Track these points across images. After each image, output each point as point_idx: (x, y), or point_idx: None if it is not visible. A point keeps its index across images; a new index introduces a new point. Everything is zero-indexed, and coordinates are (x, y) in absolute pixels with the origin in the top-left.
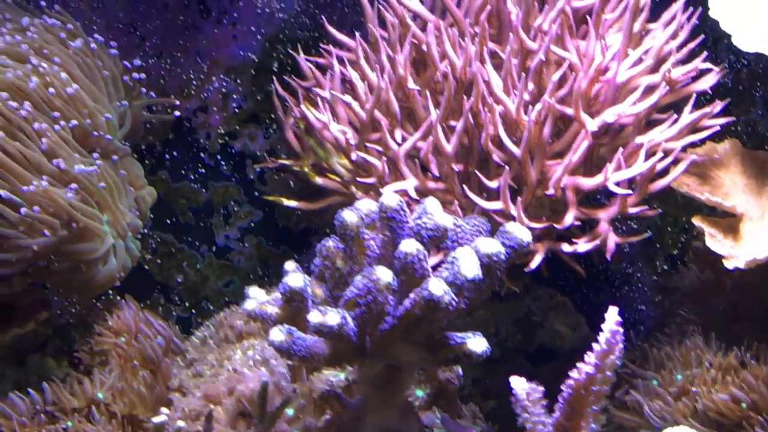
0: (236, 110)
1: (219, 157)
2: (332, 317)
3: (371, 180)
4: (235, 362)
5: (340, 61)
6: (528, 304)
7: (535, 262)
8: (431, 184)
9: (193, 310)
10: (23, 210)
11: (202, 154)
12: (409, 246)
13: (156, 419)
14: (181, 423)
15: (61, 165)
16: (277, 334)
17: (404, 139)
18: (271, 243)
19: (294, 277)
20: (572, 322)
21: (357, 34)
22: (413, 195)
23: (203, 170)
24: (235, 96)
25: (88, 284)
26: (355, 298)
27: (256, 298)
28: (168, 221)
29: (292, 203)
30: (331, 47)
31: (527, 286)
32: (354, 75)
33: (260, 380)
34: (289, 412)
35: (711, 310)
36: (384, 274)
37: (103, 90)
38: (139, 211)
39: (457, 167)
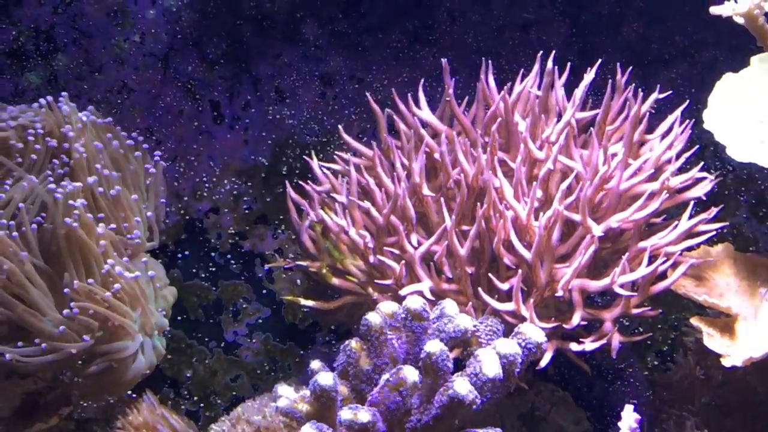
0: (246, 211)
1: (229, 256)
2: (363, 415)
3: (389, 281)
4: None
5: (357, 167)
6: (531, 399)
7: (545, 360)
8: (445, 286)
9: (202, 404)
10: (66, 311)
11: (213, 254)
12: (433, 346)
13: None
14: None
15: (106, 268)
16: (309, 430)
17: (419, 243)
18: (277, 339)
19: (324, 376)
20: (574, 416)
21: (374, 143)
22: (428, 296)
23: (214, 269)
24: (245, 198)
25: (117, 382)
26: (382, 396)
27: (287, 396)
28: (179, 318)
29: (309, 303)
30: (345, 154)
31: (529, 382)
32: (370, 181)
33: None
34: None
35: (702, 405)
36: (410, 374)
37: (132, 190)
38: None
39: (469, 269)
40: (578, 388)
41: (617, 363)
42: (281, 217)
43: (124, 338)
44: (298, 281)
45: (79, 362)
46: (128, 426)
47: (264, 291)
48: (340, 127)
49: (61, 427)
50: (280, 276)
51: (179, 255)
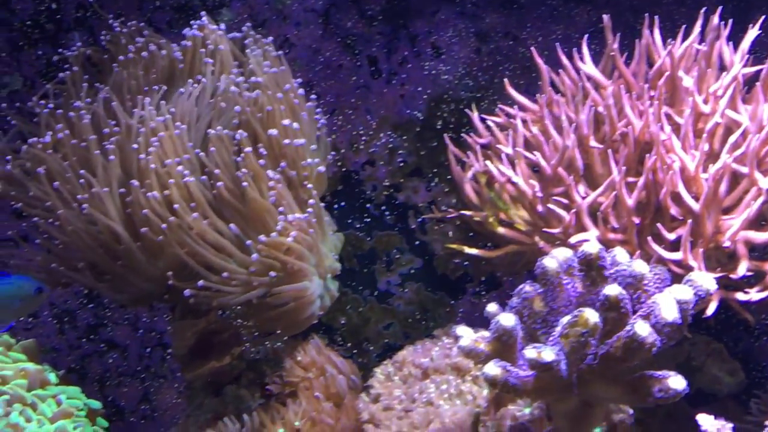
0: (401, 164)
1: (384, 207)
2: (548, 354)
3: (556, 230)
4: (429, 395)
5: (522, 120)
6: (687, 350)
7: (711, 308)
8: (611, 235)
9: (355, 351)
10: (255, 256)
11: (368, 205)
12: (613, 290)
13: None
14: None
15: (289, 217)
16: (493, 368)
17: (586, 194)
18: (429, 289)
19: (506, 317)
20: (729, 367)
21: (542, 96)
22: None
23: (369, 219)
24: (400, 151)
25: (293, 321)
26: (563, 337)
27: (468, 336)
28: None
29: (473, 251)
30: (509, 108)
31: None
32: (537, 133)
33: (457, 412)
34: None
35: None
36: (592, 315)
37: (312, 140)
38: None
39: (635, 220)
40: (725, 342)
41: (764, 318)
42: (435, 170)
43: (302, 280)
44: (450, 233)
45: (262, 298)
46: (296, 366)
47: (417, 242)
48: (505, 80)
49: (234, 365)
50: (432, 228)
51: (335, 206)
